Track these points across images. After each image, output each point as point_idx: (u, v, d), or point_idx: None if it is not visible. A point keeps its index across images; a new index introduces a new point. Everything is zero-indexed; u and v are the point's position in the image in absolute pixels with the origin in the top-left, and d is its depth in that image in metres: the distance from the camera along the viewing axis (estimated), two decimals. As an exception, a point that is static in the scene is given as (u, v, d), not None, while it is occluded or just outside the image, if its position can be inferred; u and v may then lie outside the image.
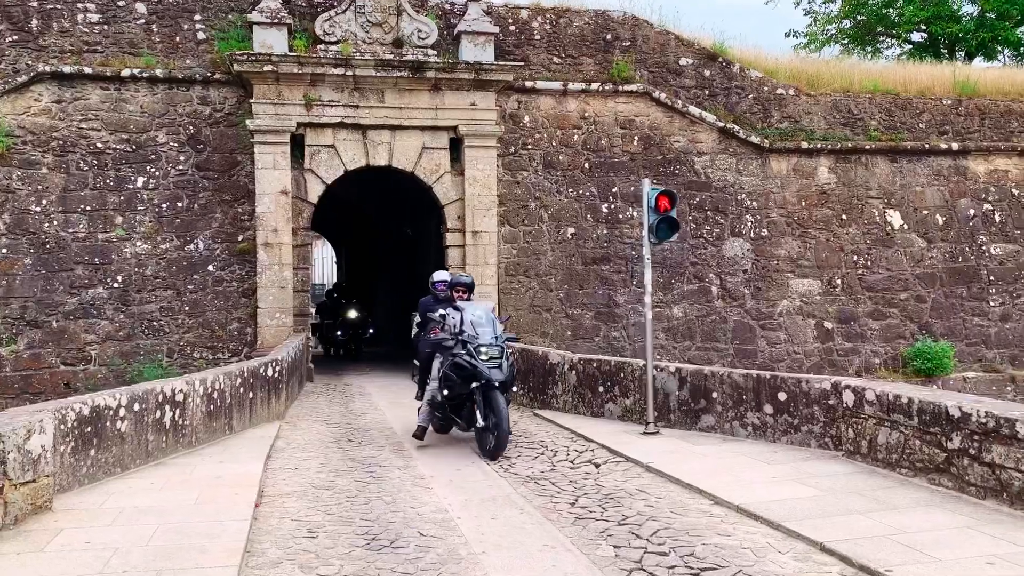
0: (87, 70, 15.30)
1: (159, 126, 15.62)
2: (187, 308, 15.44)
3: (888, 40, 32.30)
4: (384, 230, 25.73)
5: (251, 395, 10.13)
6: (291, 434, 10.04)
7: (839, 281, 18.22)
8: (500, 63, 15.94)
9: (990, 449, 6.12)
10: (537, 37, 17.30)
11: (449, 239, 16.11)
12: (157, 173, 15.56)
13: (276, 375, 10.96)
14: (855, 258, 18.34)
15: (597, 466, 8.14)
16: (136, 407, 7.74)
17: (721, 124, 17.72)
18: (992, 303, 18.81)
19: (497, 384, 8.45)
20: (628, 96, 17.43)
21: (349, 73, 15.25)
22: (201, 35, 16.01)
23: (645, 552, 5.53)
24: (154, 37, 15.86)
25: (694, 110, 17.65)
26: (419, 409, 9.56)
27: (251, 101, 15.24)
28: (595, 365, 10.52)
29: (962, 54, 30.00)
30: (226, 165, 15.82)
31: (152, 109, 15.60)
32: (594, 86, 17.18)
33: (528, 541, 5.82)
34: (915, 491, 6.55)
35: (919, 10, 28.70)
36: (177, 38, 15.93)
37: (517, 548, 5.67)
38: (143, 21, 15.82)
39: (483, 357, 8.54)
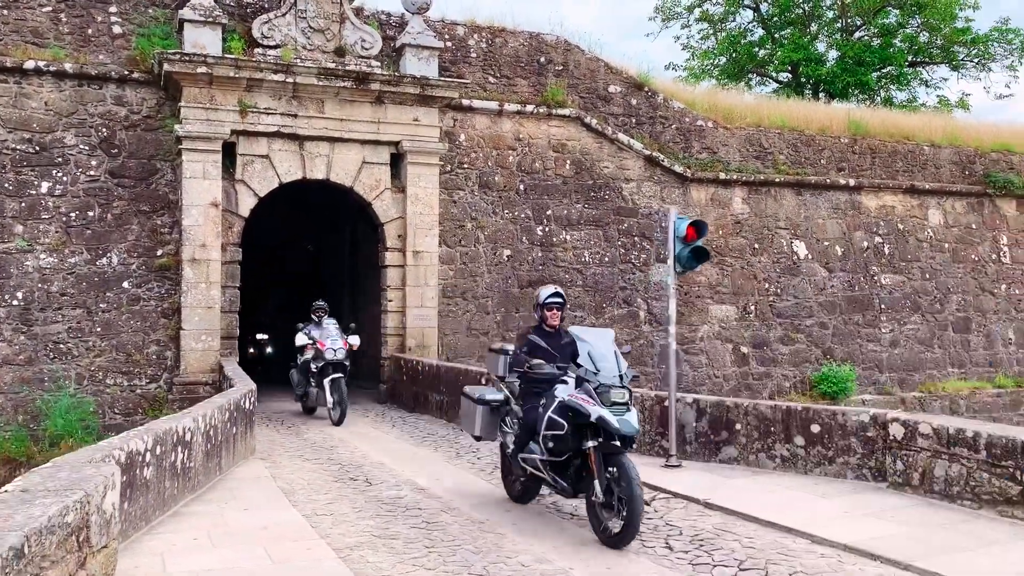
0: (-18, 59, 13.59)
1: (67, 126, 14.08)
2: (99, 329, 13.93)
3: (757, 77, 34.24)
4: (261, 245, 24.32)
5: (234, 430, 9.19)
6: (282, 473, 9.16)
7: (753, 307, 18.94)
8: (446, 79, 15.52)
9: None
10: (473, 55, 16.99)
11: (388, 258, 15.42)
12: (65, 178, 13.99)
13: (251, 407, 10.01)
14: (766, 285, 19.14)
15: (647, 503, 7.88)
16: (158, 450, 6.79)
17: (647, 152, 18.05)
18: (883, 330, 20.14)
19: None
20: (561, 120, 17.42)
21: (289, 80, 14.34)
22: (117, 29, 14.60)
23: (802, 600, 5.36)
24: (63, 28, 14.31)
25: (623, 137, 17.88)
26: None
27: (180, 105, 14.01)
28: (597, 395, 10.27)
29: (823, 95, 32.23)
30: (144, 172, 14.46)
31: (59, 107, 14.05)
32: (529, 108, 17.06)
33: (671, 593, 5.51)
34: (996, 524, 6.74)
35: (791, 52, 30.61)
36: (89, 30, 14.45)
37: (669, 601, 5.34)
38: (50, 9, 14.26)
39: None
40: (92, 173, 14.15)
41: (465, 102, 16.41)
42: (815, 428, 8.55)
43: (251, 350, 21.23)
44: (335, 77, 14.61)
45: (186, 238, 14.01)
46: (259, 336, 21.90)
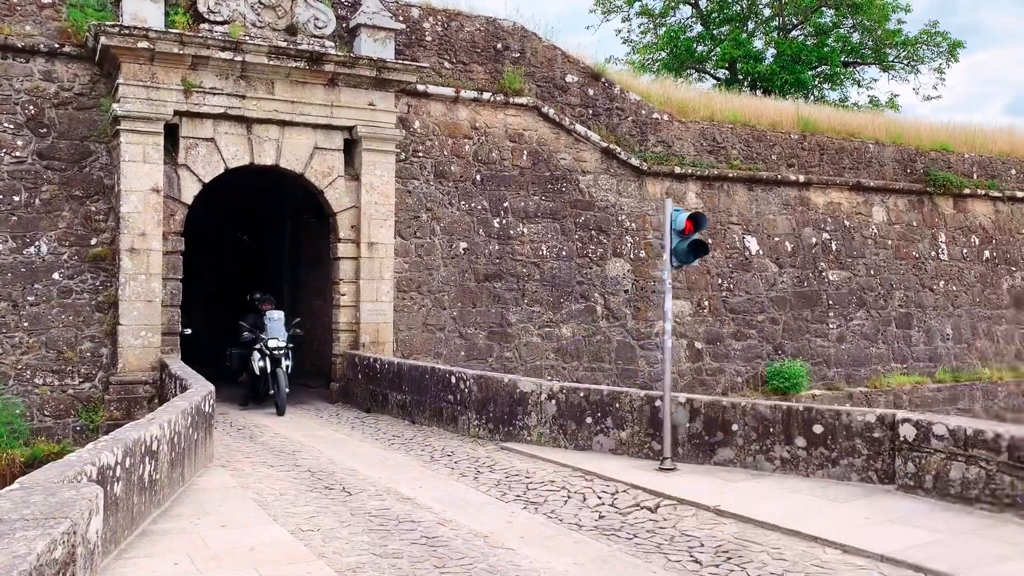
0: None
1: (-11, 102, 12.87)
2: (26, 324, 12.80)
3: (696, 73, 34.34)
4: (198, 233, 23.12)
5: (196, 436, 8.39)
6: (249, 482, 8.40)
7: (707, 303, 18.78)
8: (404, 62, 14.80)
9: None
10: (428, 39, 16.30)
11: (341, 250, 14.63)
12: (-13, 159, 12.79)
13: (211, 410, 9.20)
14: (720, 281, 19.00)
15: (652, 511, 7.46)
16: (127, 463, 6.01)
17: (604, 144, 17.67)
18: (831, 325, 20.27)
19: None
20: (518, 109, 16.88)
21: (238, 58, 13.41)
22: (45, -2, 13.41)
23: (862, 620, 4.98)
24: (-17, -6, 13.07)
25: (580, 128, 17.46)
26: None
27: (118, 82, 12.95)
28: (581, 395, 9.81)
29: (761, 91, 32.49)
30: (76, 155, 13.36)
31: (-20, 81, 12.83)
32: (485, 96, 16.46)
33: (720, 615, 5.06)
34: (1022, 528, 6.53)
35: (732, 49, 30.74)
36: (14, -1, 13.24)
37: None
38: (-31, -27, 12.99)
39: None
40: (18, 154, 12.98)
41: (420, 87, 15.72)
42: (817, 429, 8.25)
43: (259, 363, 13.58)
44: (287, 57, 13.74)
45: (124, 226, 12.97)
46: (272, 344, 13.45)
